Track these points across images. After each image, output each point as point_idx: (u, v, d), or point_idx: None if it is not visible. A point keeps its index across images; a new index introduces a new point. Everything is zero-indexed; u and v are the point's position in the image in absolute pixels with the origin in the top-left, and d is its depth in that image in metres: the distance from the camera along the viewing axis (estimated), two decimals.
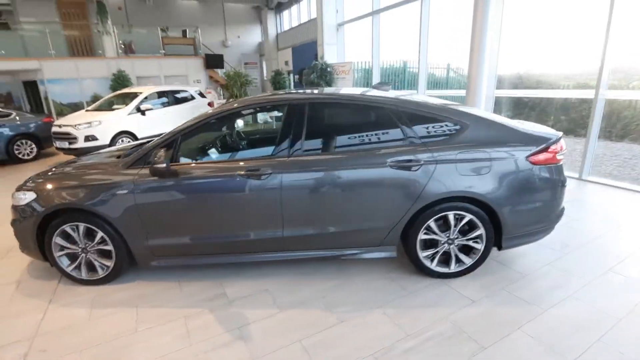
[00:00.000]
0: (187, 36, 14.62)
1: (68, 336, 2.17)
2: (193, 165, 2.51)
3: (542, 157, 2.40)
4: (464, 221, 2.43)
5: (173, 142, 2.49)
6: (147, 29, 14.24)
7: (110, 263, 2.62)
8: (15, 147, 7.96)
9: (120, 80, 12.32)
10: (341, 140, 2.63)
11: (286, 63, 14.64)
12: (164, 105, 8.93)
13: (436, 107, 2.54)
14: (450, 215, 2.42)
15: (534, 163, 2.38)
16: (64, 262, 2.63)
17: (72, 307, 2.46)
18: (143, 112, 8.21)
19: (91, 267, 2.66)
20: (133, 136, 8.03)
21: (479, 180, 2.35)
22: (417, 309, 2.30)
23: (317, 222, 2.49)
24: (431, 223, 2.44)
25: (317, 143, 2.55)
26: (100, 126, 7.55)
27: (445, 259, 2.56)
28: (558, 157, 2.45)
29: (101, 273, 2.65)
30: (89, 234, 2.56)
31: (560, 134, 2.55)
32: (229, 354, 1.97)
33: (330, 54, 10.45)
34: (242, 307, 2.39)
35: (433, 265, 2.56)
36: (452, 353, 1.92)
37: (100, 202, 2.43)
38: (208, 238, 2.56)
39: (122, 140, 7.88)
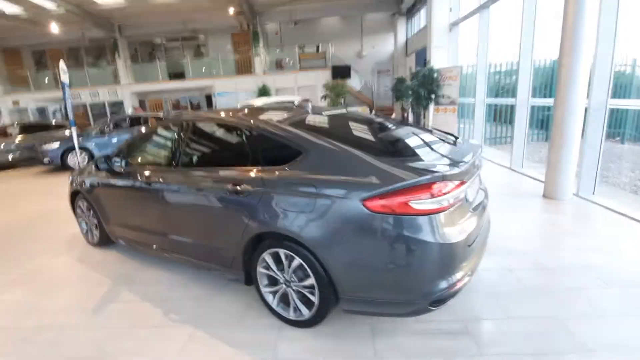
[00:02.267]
0: (319, 51, 16.10)
1: None
2: None
3: (382, 203, 1.74)
4: (293, 263, 2.05)
5: None
6: (291, 47, 16.48)
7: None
8: None
9: (263, 92, 14.82)
10: (200, 156, 2.72)
11: (410, 69, 13.97)
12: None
13: (281, 128, 2.22)
14: (282, 254, 2.09)
15: (372, 210, 1.75)
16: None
17: None
18: None
19: None
20: None
21: (304, 219, 1.94)
22: (216, 339, 2.14)
23: (180, 231, 2.64)
24: (266, 257, 2.17)
25: (187, 158, 2.71)
26: None
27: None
28: (418, 206, 1.70)
29: None
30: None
31: (431, 175, 1.74)
32: None
33: (439, 58, 9.42)
34: None
35: (274, 304, 2.24)
36: None
37: None
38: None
39: None
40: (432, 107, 9.17)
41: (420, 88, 8.96)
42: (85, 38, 16.21)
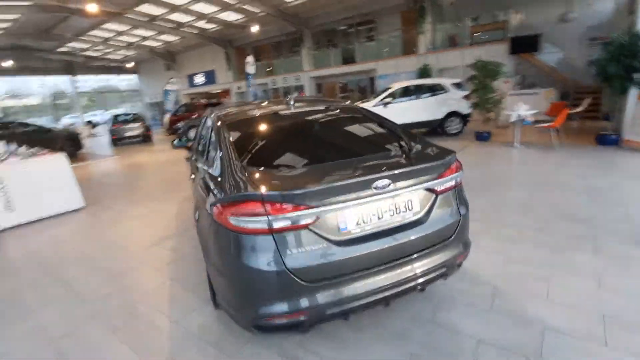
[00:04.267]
0: (499, 20, 13.28)
1: None
2: None
3: (216, 211, 1.80)
4: None
5: None
6: (466, 20, 14.41)
7: None
8: None
9: (423, 73, 13.89)
10: None
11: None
12: (410, 98, 9.60)
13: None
14: None
15: (214, 217, 1.82)
16: None
17: None
18: (385, 105, 9.46)
19: None
20: None
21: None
22: None
23: None
24: None
25: None
26: None
27: None
28: (233, 222, 1.66)
29: None
30: None
31: (245, 194, 1.66)
32: None
33: None
34: None
35: None
36: None
37: None
38: None
39: None
40: (633, 93, 6.28)
41: (613, 63, 6.23)
42: (282, 33, 19.61)
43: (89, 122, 26.65)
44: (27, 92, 28.39)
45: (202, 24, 19.29)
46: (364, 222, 1.77)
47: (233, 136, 2.20)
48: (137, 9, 16.48)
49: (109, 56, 27.35)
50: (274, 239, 1.64)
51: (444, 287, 2.53)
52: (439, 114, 9.47)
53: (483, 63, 8.10)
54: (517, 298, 2.38)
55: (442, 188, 1.99)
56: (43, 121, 23.78)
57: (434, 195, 1.96)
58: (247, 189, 1.69)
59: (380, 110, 9.54)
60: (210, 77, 24.70)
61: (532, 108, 7.35)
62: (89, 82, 30.29)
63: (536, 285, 2.52)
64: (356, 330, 2.21)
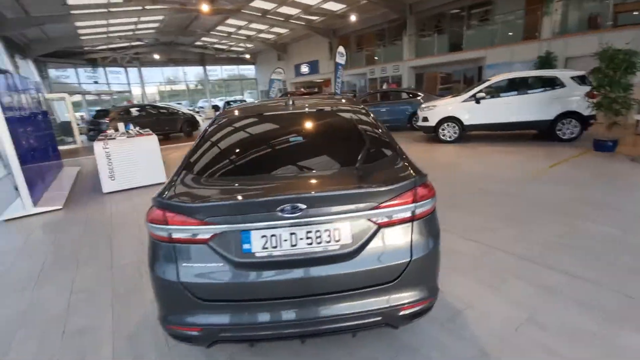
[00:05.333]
0: None
1: None
2: None
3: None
4: None
5: None
6: None
7: None
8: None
9: (544, 63, 11.60)
10: None
11: None
12: (513, 93, 8.16)
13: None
14: None
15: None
16: None
17: None
18: (478, 101, 8.27)
19: None
20: (459, 122, 8.54)
21: None
22: None
23: None
24: None
25: None
26: (433, 110, 8.82)
27: None
28: (150, 227, 1.67)
29: None
30: None
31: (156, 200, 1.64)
32: None
33: None
34: None
35: None
36: None
37: None
38: None
39: (447, 125, 8.66)
40: None
41: None
42: (385, 21, 18.88)
43: (215, 106, 30.99)
44: (177, 80, 34.45)
45: (308, 15, 20.03)
46: (272, 246, 1.56)
47: (205, 139, 2.18)
48: (251, 4, 18.09)
49: (233, 48, 30.92)
50: (174, 250, 1.58)
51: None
52: (549, 114, 7.74)
53: (613, 52, 6.15)
54: None
55: (385, 220, 1.60)
56: (184, 104, 28.55)
57: (375, 227, 1.60)
58: (161, 195, 1.67)
59: (469, 106, 8.36)
60: (313, 67, 25.62)
61: None
62: (217, 71, 34.94)
63: None
64: (296, 354, 2.03)
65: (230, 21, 21.77)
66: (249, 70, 36.00)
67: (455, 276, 2.73)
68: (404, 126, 11.28)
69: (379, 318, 1.62)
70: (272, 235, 1.55)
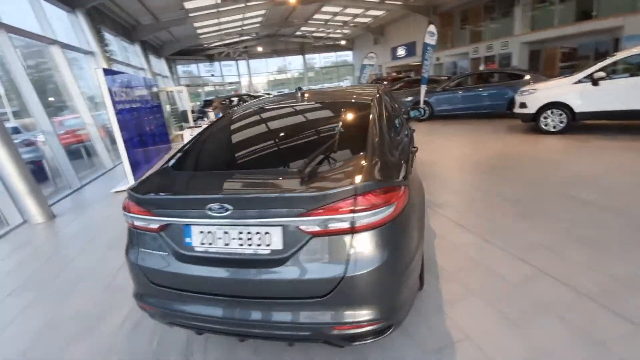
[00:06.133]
0: None
1: None
2: None
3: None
4: None
5: None
6: None
7: None
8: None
9: None
10: None
11: None
12: None
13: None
14: None
15: None
16: None
17: None
18: (595, 82, 6.65)
19: None
20: (568, 109, 7.02)
21: None
22: None
23: None
24: None
25: None
26: (533, 94, 7.42)
27: None
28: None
29: None
30: None
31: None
32: None
33: None
34: None
35: None
36: None
37: None
38: None
39: (551, 113, 7.20)
40: None
41: None
42: None
43: None
44: (282, 70, 37.03)
45: None
46: (209, 243, 1.60)
47: (205, 134, 2.32)
48: None
49: (330, 35, 31.36)
50: (136, 235, 1.76)
51: None
52: None
53: None
54: None
55: (316, 229, 1.44)
56: (286, 92, 30.56)
57: (307, 236, 1.46)
58: (132, 185, 1.86)
59: (583, 89, 6.73)
60: (410, 50, 24.17)
61: None
62: (315, 59, 36.08)
63: None
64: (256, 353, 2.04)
65: (325, 9, 22.04)
66: (347, 57, 36.13)
67: (472, 301, 2.27)
68: (502, 113, 9.77)
69: (308, 333, 1.52)
70: (209, 232, 1.60)
